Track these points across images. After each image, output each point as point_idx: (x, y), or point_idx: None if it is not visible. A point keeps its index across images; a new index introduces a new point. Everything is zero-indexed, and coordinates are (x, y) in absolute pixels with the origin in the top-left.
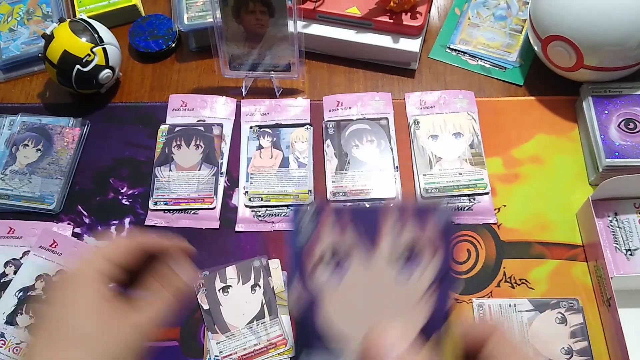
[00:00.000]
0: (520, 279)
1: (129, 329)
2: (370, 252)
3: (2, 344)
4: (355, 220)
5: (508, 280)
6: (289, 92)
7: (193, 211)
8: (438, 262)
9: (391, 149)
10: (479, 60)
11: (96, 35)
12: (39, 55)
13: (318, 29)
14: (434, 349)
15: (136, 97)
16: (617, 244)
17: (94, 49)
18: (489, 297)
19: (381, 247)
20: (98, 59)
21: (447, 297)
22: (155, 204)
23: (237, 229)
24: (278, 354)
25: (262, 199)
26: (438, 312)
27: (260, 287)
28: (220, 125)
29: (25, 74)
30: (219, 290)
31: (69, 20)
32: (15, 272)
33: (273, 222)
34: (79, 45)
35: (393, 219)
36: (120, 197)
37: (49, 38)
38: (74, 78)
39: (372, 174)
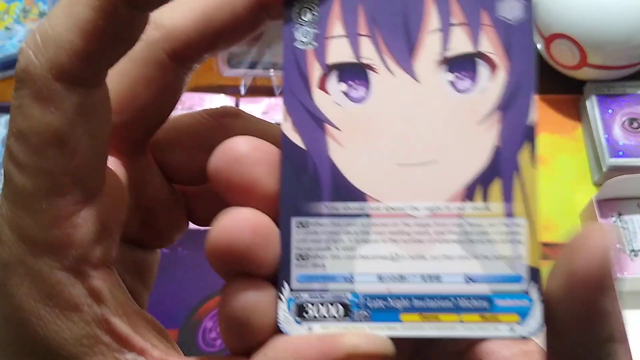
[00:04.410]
0: None
1: None
2: (408, 54)
3: None
4: (380, 9)
5: None
6: None
7: None
8: (507, 73)
9: None
10: None
11: None
12: None
13: None
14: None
15: None
16: (620, 244)
17: None
18: None
19: (424, 46)
20: None
21: (518, 134)
22: None
23: None
24: None
25: None
26: (503, 155)
27: None
28: None
29: None
30: None
31: None
32: None
33: None
34: None
35: (438, 8)
36: None
37: None
38: None
39: None
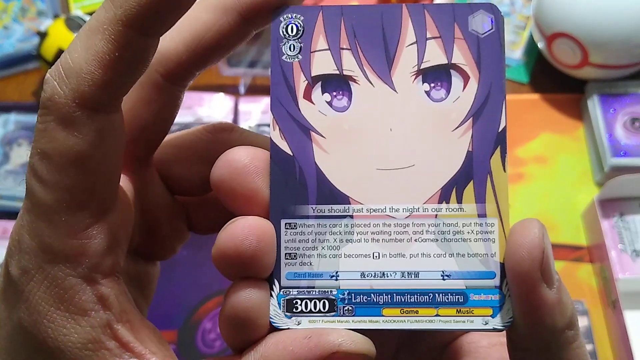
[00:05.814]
0: None
1: None
2: (387, 66)
3: None
4: (360, 24)
5: None
6: None
7: None
8: (478, 83)
9: None
10: None
11: None
12: (34, 53)
13: None
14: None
15: None
16: (622, 245)
17: None
18: None
19: (402, 59)
20: None
21: (490, 140)
22: None
23: None
24: None
25: None
26: (476, 160)
27: None
28: None
29: (19, 72)
30: None
31: (64, 17)
32: None
33: None
34: None
35: (414, 23)
36: None
37: (43, 35)
38: None
39: None
